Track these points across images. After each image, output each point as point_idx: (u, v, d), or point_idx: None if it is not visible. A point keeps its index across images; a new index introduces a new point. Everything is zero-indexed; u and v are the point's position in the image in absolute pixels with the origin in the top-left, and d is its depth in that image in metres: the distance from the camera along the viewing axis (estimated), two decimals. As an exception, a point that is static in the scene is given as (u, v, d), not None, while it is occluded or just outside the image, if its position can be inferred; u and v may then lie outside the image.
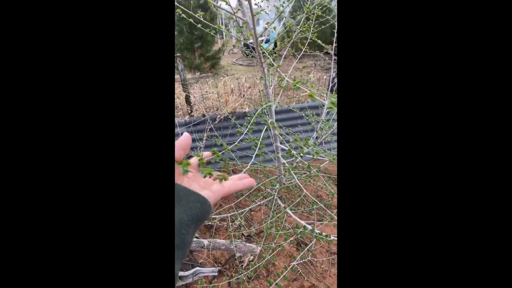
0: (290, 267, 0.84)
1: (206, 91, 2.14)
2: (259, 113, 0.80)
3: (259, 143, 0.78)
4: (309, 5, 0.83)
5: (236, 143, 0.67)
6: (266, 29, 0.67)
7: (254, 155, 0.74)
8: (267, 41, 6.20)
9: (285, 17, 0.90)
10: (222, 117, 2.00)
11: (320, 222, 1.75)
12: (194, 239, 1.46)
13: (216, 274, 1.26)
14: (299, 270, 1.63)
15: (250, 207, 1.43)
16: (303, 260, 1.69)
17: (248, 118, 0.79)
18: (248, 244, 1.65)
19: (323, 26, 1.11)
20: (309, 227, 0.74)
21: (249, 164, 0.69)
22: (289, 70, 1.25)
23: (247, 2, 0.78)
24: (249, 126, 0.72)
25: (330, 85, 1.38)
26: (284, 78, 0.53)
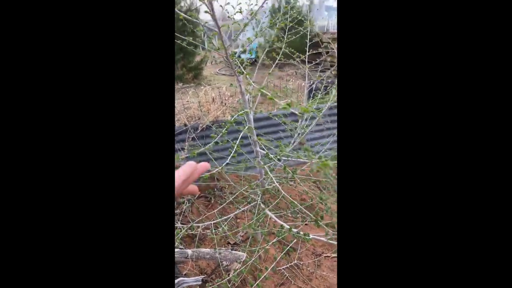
0: (271, 267, 0.86)
1: (187, 101, 2.16)
2: (235, 119, 0.84)
3: (235, 146, 0.81)
4: (276, 18, 0.90)
5: (208, 146, 0.69)
6: (234, 40, 0.71)
7: (229, 157, 0.77)
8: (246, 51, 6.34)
9: (255, 29, 0.96)
10: (204, 126, 2.01)
11: (305, 224, 1.79)
12: (177, 250, 1.43)
13: (200, 283, 1.24)
14: (285, 275, 1.64)
15: (234, 213, 1.44)
16: (290, 264, 1.70)
17: (223, 124, 0.82)
18: (234, 251, 1.64)
19: (294, 37, 1.19)
20: (287, 226, 0.77)
21: (220, 167, 0.71)
22: (268, 78, 1.30)
23: (221, 12, 0.83)
24: (223, 131, 0.75)
25: (306, 91, 1.45)
26: (252, 84, 0.57)
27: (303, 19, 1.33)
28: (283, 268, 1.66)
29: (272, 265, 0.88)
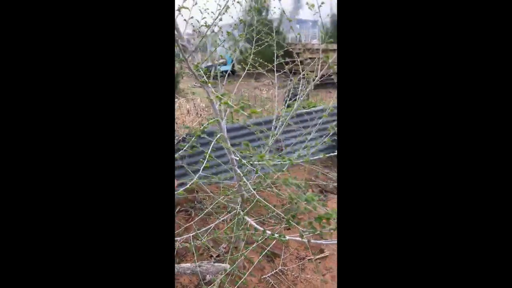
0: (249, 272, 0.86)
1: (162, 114, 2.14)
2: (205, 127, 0.85)
3: (207, 155, 0.82)
4: (232, 29, 0.95)
5: (177, 155, 0.70)
6: (195, 52, 0.74)
7: (201, 167, 0.78)
8: (224, 63, 6.49)
9: (218, 41, 1.00)
10: (180, 138, 1.99)
11: (288, 229, 1.80)
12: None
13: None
14: (271, 282, 1.63)
15: (214, 223, 1.42)
16: (275, 271, 1.70)
17: (193, 133, 0.84)
18: (216, 264, 1.60)
19: (258, 48, 1.25)
20: (261, 228, 0.78)
21: (194, 178, 0.72)
22: (242, 88, 1.35)
23: (191, 28, 0.86)
24: (193, 139, 0.76)
25: (277, 98, 1.51)
26: (214, 93, 0.60)
27: (269, 31, 1.41)
28: (268, 276, 1.65)
29: (249, 270, 0.88)
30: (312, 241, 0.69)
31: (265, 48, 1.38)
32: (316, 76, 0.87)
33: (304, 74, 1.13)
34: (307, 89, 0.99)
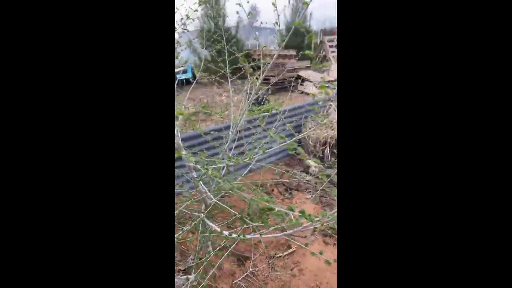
0: (210, 273, 0.86)
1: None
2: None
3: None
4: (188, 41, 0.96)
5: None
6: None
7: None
8: (184, 72, 6.39)
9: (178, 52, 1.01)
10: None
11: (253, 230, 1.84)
12: None
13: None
14: (242, 286, 1.63)
15: (179, 233, 1.38)
16: (245, 274, 1.70)
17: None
18: (183, 277, 1.55)
19: (213, 55, 1.28)
20: (218, 229, 0.80)
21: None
22: (203, 95, 1.35)
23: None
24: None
25: (233, 103, 1.54)
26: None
27: (219, 38, 1.45)
28: (239, 280, 1.65)
29: (210, 274, 0.88)
30: (263, 236, 0.73)
31: (223, 55, 1.41)
32: (258, 80, 0.93)
33: (252, 79, 1.18)
34: (257, 93, 1.05)
